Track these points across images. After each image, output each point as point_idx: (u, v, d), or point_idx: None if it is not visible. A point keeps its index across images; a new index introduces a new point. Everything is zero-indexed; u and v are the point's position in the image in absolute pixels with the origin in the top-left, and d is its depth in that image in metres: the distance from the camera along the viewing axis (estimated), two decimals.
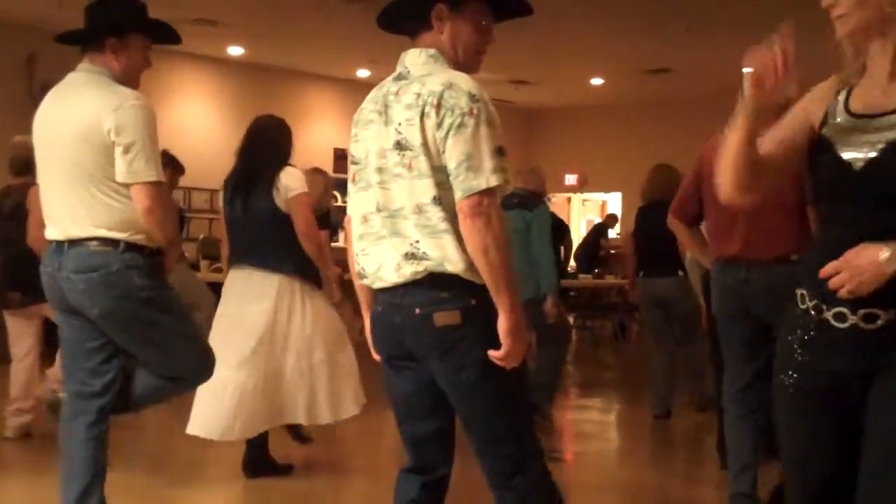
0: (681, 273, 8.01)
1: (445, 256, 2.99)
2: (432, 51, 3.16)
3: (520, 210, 7.25)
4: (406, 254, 3.04)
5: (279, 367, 5.69)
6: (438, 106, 2.97)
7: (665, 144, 18.02)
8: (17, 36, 14.31)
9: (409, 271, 3.04)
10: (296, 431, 6.33)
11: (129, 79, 4.13)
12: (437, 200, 3.00)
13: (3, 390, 7.02)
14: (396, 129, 3.06)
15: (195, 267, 12.13)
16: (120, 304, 3.98)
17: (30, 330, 6.96)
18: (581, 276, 14.22)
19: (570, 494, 5.65)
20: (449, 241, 2.99)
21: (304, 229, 5.67)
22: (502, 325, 2.98)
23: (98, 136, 3.92)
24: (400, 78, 3.17)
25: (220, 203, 6.00)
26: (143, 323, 4.06)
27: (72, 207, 4.00)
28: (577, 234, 18.51)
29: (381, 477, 6.18)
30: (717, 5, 12.46)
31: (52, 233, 4.11)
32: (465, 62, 3.18)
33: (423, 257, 3.01)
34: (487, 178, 2.95)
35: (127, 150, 3.91)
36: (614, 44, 14.21)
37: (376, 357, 3.34)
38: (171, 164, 5.39)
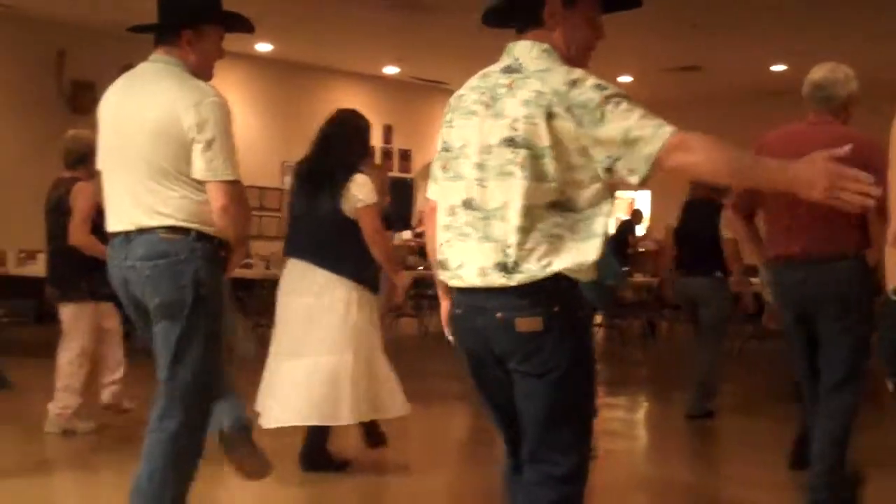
0: (719, 274, 7.93)
1: (551, 262, 2.94)
2: (545, 45, 3.08)
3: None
4: (497, 263, 2.98)
5: (334, 365, 5.72)
6: (570, 107, 2.90)
7: None
8: (47, 32, 14.40)
9: (497, 281, 2.99)
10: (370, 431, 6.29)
11: (203, 70, 4.07)
12: (558, 205, 2.95)
13: (51, 386, 7.01)
14: (511, 126, 2.96)
15: None
16: (182, 295, 3.89)
17: (79, 326, 6.95)
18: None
19: (598, 492, 5.64)
20: (560, 246, 2.95)
21: (372, 238, 5.73)
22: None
23: (176, 131, 3.85)
24: (510, 70, 3.06)
25: (289, 187, 6.04)
26: (188, 322, 3.91)
27: (140, 198, 3.92)
28: None
29: (429, 474, 6.19)
30: (745, 3, 12.40)
31: (118, 224, 4.02)
32: (576, 58, 3.12)
33: (516, 269, 2.95)
34: (661, 132, 2.96)
35: (207, 148, 3.85)
36: (643, 41, 14.15)
37: (447, 321, 3.30)
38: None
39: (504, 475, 3.34)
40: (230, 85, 16.17)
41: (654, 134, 2.91)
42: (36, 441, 6.78)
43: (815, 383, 5.05)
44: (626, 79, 17.75)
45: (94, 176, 6.67)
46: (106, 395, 7.11)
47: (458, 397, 7.76)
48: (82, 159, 6.84)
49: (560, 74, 2.96)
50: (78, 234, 6.71)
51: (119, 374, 7.11)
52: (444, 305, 3.33)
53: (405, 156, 19.40)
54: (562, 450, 3.10)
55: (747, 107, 16.97)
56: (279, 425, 5.75)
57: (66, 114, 14.42)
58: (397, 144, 19.29)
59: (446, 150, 3.18)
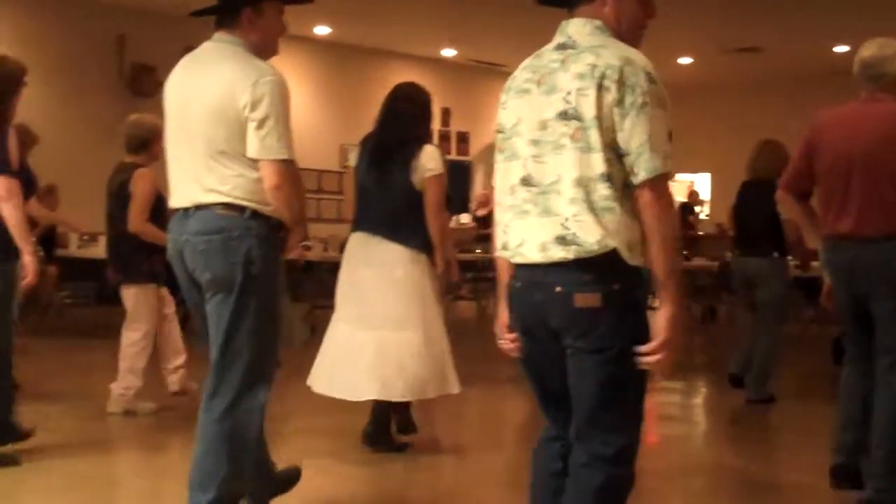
0: (776, 254, 7.87)
1: (606, 233, 2.94)
2: (598, 22, 3.09)
3: None
4: (556, 237, 3.00)
5: (421, 338, 5.79)
6: (619, 81, 2.92)
7: (755, 124, 17.76)
8: (107, 16, 14.54)
9: (557, 255, 3.00)
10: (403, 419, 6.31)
11: (266, 47, 4.08)
12: (606, 177, 2.95)
13: (113, 366, 7.11)
14: (564, 99, 2.99)
15: None
16: (233, 271, 3.90)
17: (142, 308, 7.02)
18: None
19: (654, 477, 5.62)
20: (611, 220, 2.95)
21: (432, 209, 5.79)
22: (664, 314, 2.97)
23: (232, 110, 3.86)
24: (564, 47, 3.08)
25: (351, 163, 6.08)
26: (238, 299, 3.92)
27: (200, 175, 3.95)
28: None
29: (484, 456, 6.20)
30: None
31: (178, 200, 4.05)
32: (627, 36, 3.12)
33: (574, 241, 2.96)
34: (665, 162, 2.94)
35: (260, 126, 3.85)
36: (703, 22, 14.03)
37: (499, 332, 3.32)
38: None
39: (535, 451, 3.35)
40: (289, 68, 16.23)
41: (665, 157, 2.94)
42: (98, 421, 6.86)
43: (862, 366, 5.06)
44: (685, 60, 17.61)
45: (155, 160, 6.80)
46: (173, 382, 7.21)
47: (513, 380, 7.74)
48: (144, 144, 6.93)
49: (616, 50, 3.00)
50: (137, 221, 6.80)
51: (182, 359, 7.20)
52: (503, 317, 3.33)
53: (463, 138, 19.39)
54: (612, 430, 3.09)
55: (809, 89, 16.78)
56: (348, 398, 5.81)
57: (128, 97, 14.57)
58: (455, 127, 19.28)
59: (500, 131, 3.21)
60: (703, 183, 20.37)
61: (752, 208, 7.94)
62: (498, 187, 3.23)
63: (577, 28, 3.10)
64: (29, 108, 5.46)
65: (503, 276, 3.31)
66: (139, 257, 6.90)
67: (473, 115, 18.69)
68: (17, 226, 5.18)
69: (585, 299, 2.99)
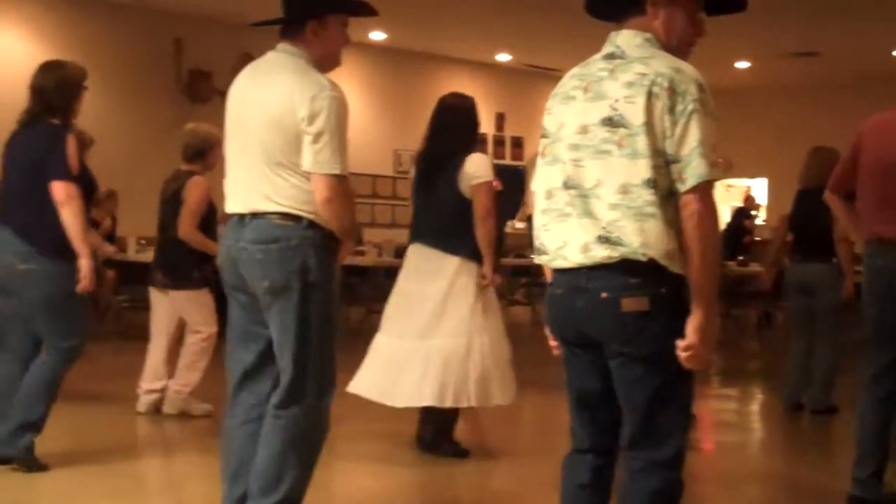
0: (835, 260, 7.79)
1: (646, 241, 2.95)
2: (648, 34, 3.13)
3: None
4: (599, 237, 3.01)
5: (457, 346, 5.78)
6: (670, 90, 2.95)
7: (812, 129, 17.57)
8: (164, 22, 14.68)
9: (600, 255, 3.00)
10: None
11: (329, 58, 4.12)
12: (651, 183, 2.96)
13: (139, 367, 7.18)
14: (611, 106, 3.02)
15: None
16: (290, 280, 3.92)
17: (200, 311, 7.08)
18: (725, 262, 13.93)
19: (710, 484, 5.59)
20: (654, 226, 2.95)
21: (481, 215, 5.81)
22: (694, 321, 2.97)
23: (290, 122, 3.88)
24: (613, 57, 3.12)
25: (411, 177, 6.16)
26: (300, 307, 3.95)
27: (257, 183, 3.97)
28: (721, 221, 18.16)
29: (537, 461, 6.19)
30: None
31: (234, 206, 4.07)
32: (676, 51, 3.15)
33: (619, 242, 2.97)
34: (712, 170, 2.95)
35: (316, 140, 3.87)
36: (761, 26, 13.92)
37: (550, 336, 3.34)
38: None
39: (564, 464, 3.35)
40: (344, 73, 16.23)
41: (713, 166, 2.96)
42: (154, 421, 6.94)
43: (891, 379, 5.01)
44: (743, 64, 17.49)
45: (210, 170, 6.88)
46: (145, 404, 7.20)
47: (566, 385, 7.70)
48: (200, 153, 7.01)
49: (666, 60, 3.03)
50: (186, 227, 6.87)
51: (161, 384, 7.21)
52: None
53: (517, 143, 19.37)
54: (664, 434, 3.09)
55: (867, 93, 16.57)
56: (406, 405, 5.84)
57: (184, 102, 14.71)
58: (509, 132, 19.27)
59: (545, 136, 3.25)
60: (759, 188, 20.18)
61: (808, 216, 7.87)
62: (537, 191, 3.25)
63: (626, 39, 3.13)
64: (87, 112, 5.52)
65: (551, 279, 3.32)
66: (190, 263, 6.97)
67: (528, 120, 18.65)
68: (76, 230, 5.23)
69: (632, 303, 2.99)
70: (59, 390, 5.46)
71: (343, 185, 3.96)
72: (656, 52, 3.07)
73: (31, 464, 5.33)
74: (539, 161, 3.26)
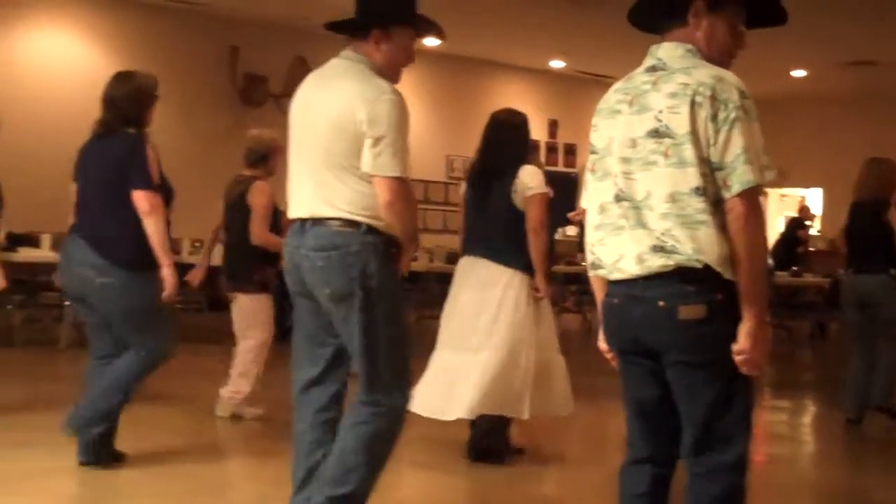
0: (893, 271, 7.71)
1: (699, 248, 2.98)
2: (689, 46, 3.16)
3: None
4: (653, 246, 3.03)
5: (504, 357, 5.77)
6: (712, 98, 2.98)
7: (869, 139, 17.39)
8: (221, 28, 14.81)
9: (656, 264, 3.02)
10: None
11: (390, 71, 4.12)
12: (700, 191, 2.98)
13: (222, 371, 7.24)
14: (656, 117, 3.05)
15: None
16: (352, 287, 3.94)
17: (258, 317, 7.12)
18: (778, 273, 13.84)
19: (762, 496, 5.53)
20: (705, 233, 2.98)
21: (534, 227, 5.84)
22: (746, 327, 2.99)
23: (351, 126, 3.91)
24: (655, 69, 3.16)
25: (462, 193, 6.21)
26: (363, 312, 3.98)
27: (318, 188, 4.00)
28: (774, 231, 18.04)
29: (588, 469, 6.17)
30: None
31: (296, 211, 4.10)
32: (718, 61, 3.17)
33: (673, 250, 3.00)
34: (762, 174, 2.97)
35: (376, 143, 3.89)
36: (818, 34, 13.81)
37: (602, 347, 3.36)
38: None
39: (621, 473, 3.34)
40: (403, 79, 16.33)
41: (760, 169, 2.98)
42: (207, 423, 6.99)
43: None
44: (799, 73, 17.35)
45: (272, 175, 6.99)
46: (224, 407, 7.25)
47: (617, 393, 7.67)
48: (262, 159, 7.11)
49: (707, 69, 3.07)
50: (259, 232, 6.94)
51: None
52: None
53: (570, 150, 19.33)
54: (725, 441, 3.10)
55: None
56: (462, 417, 5.83)
57: (239, 106, 14.83)
58: (562, 139, 19.24)
59: (593, 152, 3.28)
60: (814, 198, 20.00)
61: (864, 227, 7.80)
62: (589, 207, 3.28)
63: (667, 51, 3.17)
64: None
65: (598, 295, 3.34)
66: (251, 267, 7.02)
67: (581, 128, 18.59)
68: (160, 240, 5.26)
69: (690, 311, 3.01)
70: (133, 391, 5.49)
71: (405, 188, 3.97)
72: (698, 62, 3.11)
73: (100, 455, 5.40)
74: (588, 177, 3.29)
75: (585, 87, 18.56)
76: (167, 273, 5.31)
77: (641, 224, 3.06)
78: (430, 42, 15.77)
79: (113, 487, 5.32)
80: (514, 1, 13.25)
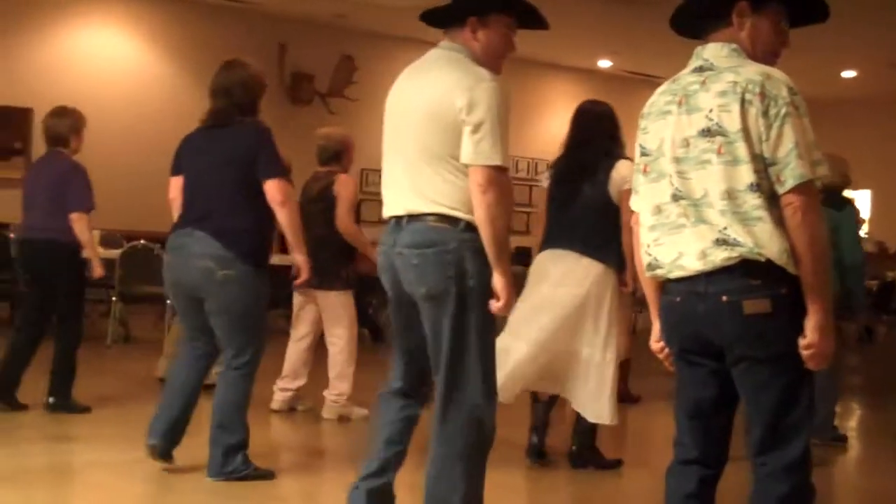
0: None
1: (758, 242, 2.97)
2: (734, 45, 3.18)
3: (824, 209, 6.93)
4: (716, 240, 3.03)
5: (573, 352, 5.68)
6: (762, 94, 2.99)
7: None
8: (269, 26, 14.86)
9: (719, 257, 3.02)
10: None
11: (489, 62, 3.96)
12: (755, 187, 2.99)
13: (278, 365, 7.24)
14: (706, 116, 3.07)
15: None
16: (448, 286, 3.79)
17: (309, 315, 7.18)
18: None
19: None
20: (762, 229, 2.98)
21: (628, 220, 5.69)
22: (812, 321, 2.98)
23: (449, 114, 3.77)
24: (702, 70, 3.17)
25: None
26: (457, 313, 3.82)
27: (414, 183, 3.86)
28: None
29: (641, 473, 6.14)
30: None
31: (391, 209, 3.97)
32: (761, 61, 3.18)
33: (736, 243, 2.99)
34: (814, 168, 2.98)
35: (476, 130, 3.74)
36: (870, 35, 13.67)
37: (656, 347, 3.36)
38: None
39: (668, 473, 3.32)
40: None
41: (815, 164, 3.00)
42: (288, 421, 7.01)
43: None
44: (849, 73, 17.18)
45: (345, 172, 7.03)
46: (279, 401, 7.27)
47: (670, 396, 7.63)
48: (335, 157, 7.12)
49: (755, 66, 3.09)
50: (345, 220, 6.92)
51: (298, 383, 7.29)
52: (653, 312, 3.34)
53: None
54: (791, 436, 3.08)
55: None
56: (606, 423, 5.73)
57: (286, 104, 14.88)
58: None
59: (645, 154, 3.28)
60: (863, 200, 19.80)
61: None
62: (642, 209, 3.28)
63: (713, 52, 3.19)
64: (192, 112, 5.58)
65: (652, 297, 3.33)
66: (338, 263, 6.99)
67: (628, 126, 18.53)
68: (295, 229, 5.25)
69: (755, 305, 3.00)
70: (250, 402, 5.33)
71: (503, 178, 3.80)
72: (744, 60, 3.12)
73: (258, 474, 5.25)
74: (640, 179, 3.29)
75: (633, 86, 18.47)
76: (301, 260, 5.34)
77: (703, 220, 3.06)
78: None
79: (166, 485, 5.31)
80: (562, 1, 13.21)
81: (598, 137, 5.89)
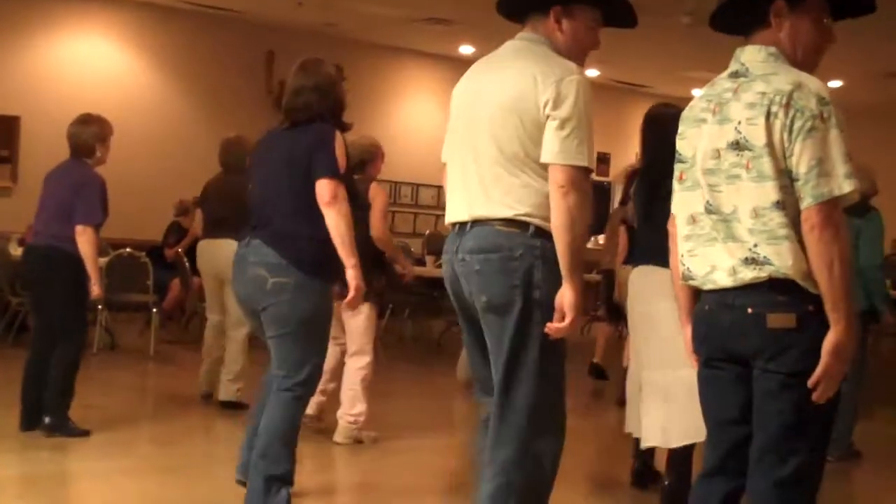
0: None
1: (785, 263, 2.92)
2: (772, 48, 3.10)
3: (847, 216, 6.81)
4: (746, 258, 3.00)
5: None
6: (787, 106, 2.92)
7: None
8: (257, 34, 14.85)
9: (748, 276, 2.99)
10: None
11: (574, 52, 3.65)
12: (780, 205, 2.93)
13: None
14: (735, 129, 3.01)
15: (421, 262, 12.29)
16: (512, 296, 3.46)
17: (370, 328, 6.72)
18: None
19: None
20: (788, 248, 2.92)
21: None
22: (831, 340, 2.89)
23: (529, 108, 3.45)
24: (737, 75, 3.10)
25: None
26: (520, 328, 3.49)
27: (483, 184, 3.54)
28: None
29: None
30: None
31: (455, 215, 3.66)
32: (804, 61, 3.13)
33: (766, 262, 2.96)
34: (840, 184, 2.89)
35: (562, 126, 3.42)
36: (854, 44, 13.70)
37: (689, 357, 3.30)
38: None
39: (693, 489, 3.28)
40: (433, 87, 16.35)
41: (840, 179, 2.90)
42: (325, 452, 6.57)
43: None
44: (835, 83, 17.21)
45: (373, 180, 6.87)
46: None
47: None
48: (360, 165, 6.72)
49: (786, 75, 2.99)
50: (379, 227, 6.73)
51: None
52: (685, 321, 3.33)
53: (603, 159, 19.25)
54: (786, 454, 3.00)
55: None
56: (675, 444, 5.16)
57: (273, 113, 14.81)
58: (596, 148, 19.12)
59: (681, 161, 3.22)
60: None
61: None
62: (678, 216, 3.24)
63: (750, 55, 3.11)
64: (179, 120, 5.57)
65: (684, 304, 3.30)
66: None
67: (614, 137, 18.54)
68: (343, 234, 4.66)
69: (779, 319, 2.95)
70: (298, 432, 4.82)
71: (586, 181, 3.47)
72: (780, 66, 3.04)
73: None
74: (676, 186, 3.23)
75: (618, 95, 18.49)
76: (352, 275, 4.64)
77: (732, 237, 3.03)
78: (466, 50, 15.75)
79: (152, 493, 5.31)
80: None
81: (669, 141, 5.54)
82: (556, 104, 3.42)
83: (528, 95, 3.46)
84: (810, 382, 2.90)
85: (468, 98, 3.69)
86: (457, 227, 3.66)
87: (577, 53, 3.67)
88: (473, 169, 3.59)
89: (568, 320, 3.44)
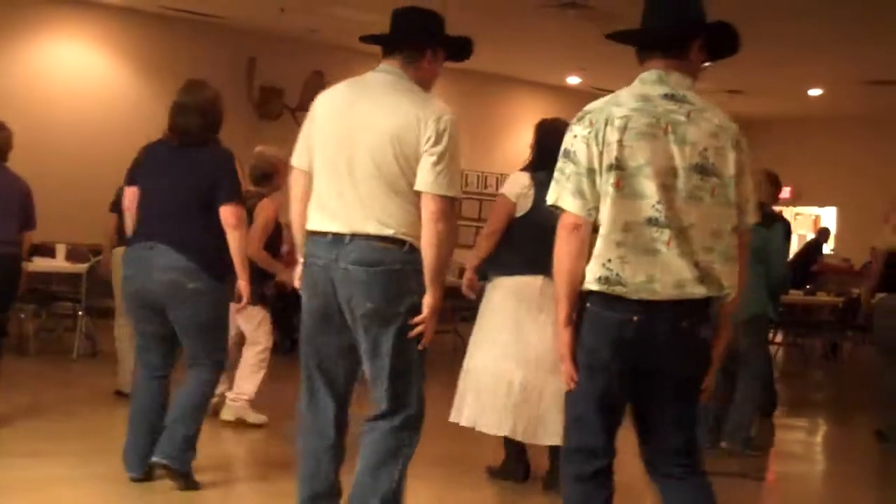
0: None
1: (732, 283, 3.28)
2: (690, 80, 3.36)
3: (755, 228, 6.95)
4: (697, 276, 3.20)
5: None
6: (739, 143, 3.29)
7: (885, 159, 17.35)
8: (239, 40, 14.85)
9: (697, 292, 3.20)
10: None
11: (428, 85, 4.19)
12: (735, 230, 3.30)
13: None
14: (701, 154, 3.22)
15: None
16: (392, 304, 3.97)
17: (262, 329, 7.12)
18: (792, 291, 13.75)
19: None
20: (733, 268, 3.28)
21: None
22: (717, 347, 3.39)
23: (411, 142, 3.94)
24: (675, 100, 3.28)
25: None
26: (402, 330, 4.01)
27: (361, 203, 3.98)
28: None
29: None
30: None
31: (329, 224, 4.04)
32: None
33: (716, 282, 3.24)
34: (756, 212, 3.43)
35: (438, 161, 3.93)
36: (836, 53, 13.77)
37: (565, 353, 3.36)
38: None
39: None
40: None
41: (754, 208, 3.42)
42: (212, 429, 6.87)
43: None
44: (816, 92, 17.32)
45: (277, 191, 7.00)
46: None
47: None
48: (266, 177, 7.09)
49: (719, 111, 3.34)
50: (253, 247, 6.70)
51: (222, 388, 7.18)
52: (562, 322, 3.43)
53: None
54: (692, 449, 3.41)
55: None
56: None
57: (254, 120, 14.85)
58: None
59: (620, 168, 3.21)
60: (828, 217, 19.95)
61: None
62: (608, 222, 3.22)
63: (678, 82, 3.32)
64: (161, 127, 5.53)
65: (572, 303, 3.32)
66: (253, 281, 6.92)
67: None
68: (240, 254, 5.31)
69: (707, 330, 3.26)
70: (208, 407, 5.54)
71: (453, 212, 4.03)
72: (706, 101, 3.32)
73: (191, 484, 5.29)
74: (611, 191, 3.21)
75: None
76: (243, 286, 5.41)
77: (685, 253, 3.18)
78: None
79: (132, 498, 5.30)
80: (531, 18, 13.26)
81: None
82: (435, 142, 3.94)
83: (411, 131, 3.95)
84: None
85: (342, 120, 4.07)
86: (330, 236, 4.03)
87: (431, 84, 4.21)
88: (348, 181, 4.01)
89: (426, 313, 4.00)
